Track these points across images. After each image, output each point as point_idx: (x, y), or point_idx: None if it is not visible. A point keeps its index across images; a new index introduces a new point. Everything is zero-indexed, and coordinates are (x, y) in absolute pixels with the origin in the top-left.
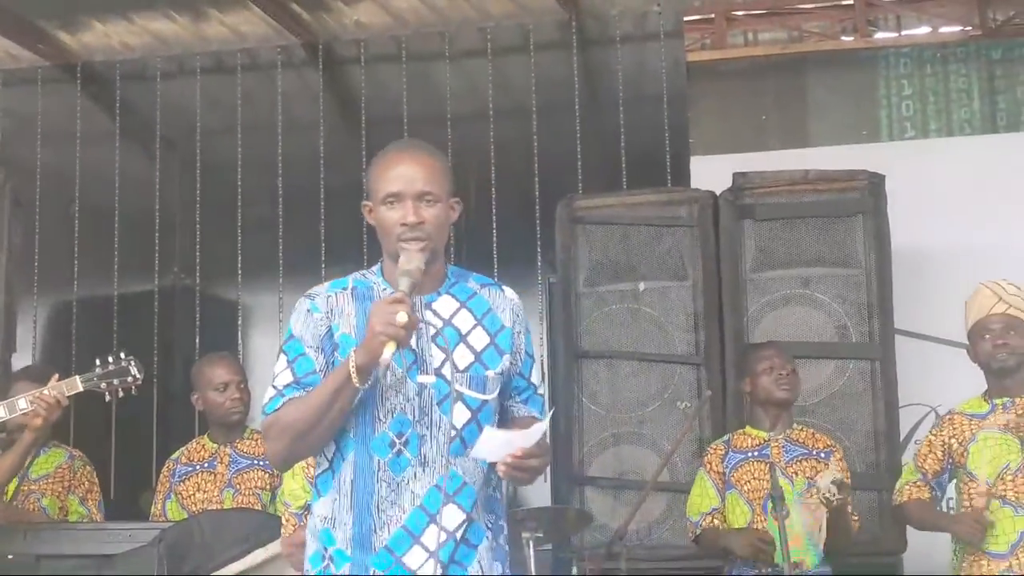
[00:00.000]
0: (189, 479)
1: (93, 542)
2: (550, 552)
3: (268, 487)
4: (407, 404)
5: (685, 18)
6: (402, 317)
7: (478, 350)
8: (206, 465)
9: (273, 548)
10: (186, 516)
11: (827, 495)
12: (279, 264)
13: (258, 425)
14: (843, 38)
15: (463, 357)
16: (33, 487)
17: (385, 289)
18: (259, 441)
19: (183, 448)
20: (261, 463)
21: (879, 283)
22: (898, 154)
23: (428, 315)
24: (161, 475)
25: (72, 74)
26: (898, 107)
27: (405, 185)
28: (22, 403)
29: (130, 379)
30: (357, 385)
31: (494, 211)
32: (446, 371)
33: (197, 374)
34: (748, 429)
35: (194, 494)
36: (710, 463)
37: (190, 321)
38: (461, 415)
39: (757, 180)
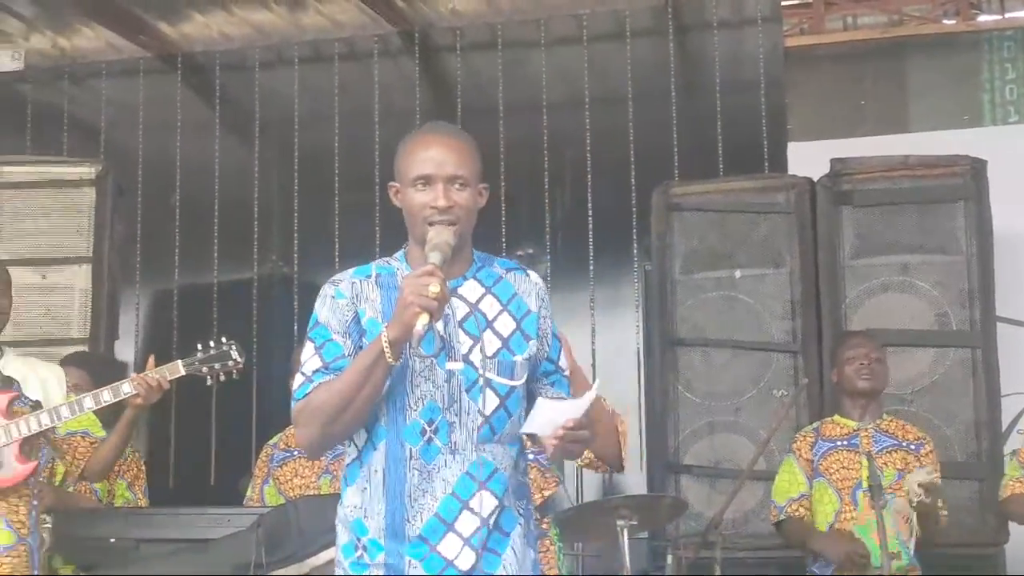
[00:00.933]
0: (287, 464)
1: (192, 527)
2: (645, 541)
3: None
4: (436, 391)
5: (783, 3)
6: (435, 288)
7: (505, 336)
8: (304, 451)
9: None
10: (283, 501)
11: (915, 497)
12: (375, 251)
13: None
14: (945, 21)
15: (490, 343)
16: None
17: (408, 274)
18: None
19: (281, 434)
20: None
21: (981, 270)
22: (1001, 139)
23: (455, 300)
24: (259, 460)
25: (172, 65)
26: (1001, 91)
27: (436, 168)
28: (126, 387)
29: (231, 363)
30: (390, 360)
31: (590, 199)
32: (474, 357)
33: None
34: (837, 418)
35: (291, 479)
36: (799, 449)
37: (288, 308)
38: (490, 402)
39: (855, 166)
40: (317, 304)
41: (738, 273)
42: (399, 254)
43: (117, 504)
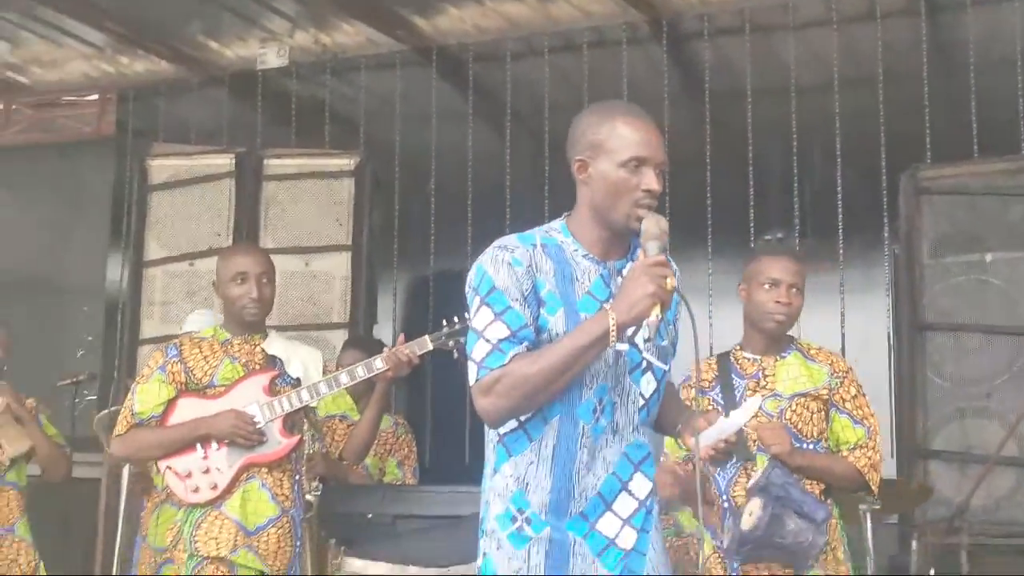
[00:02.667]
0: None
1: (447, 504)
2: (894, 526)
3: None
4: (607, 371)
5: None
6: (671, 281)
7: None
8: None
9: None
10: None
11: None
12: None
13: None
14: None
15: (648, 326)
16: None
17: (576, 250)
18: None
19: None
20: None
21: None
22: None
23: (619, 281)
24: None
25: (428, 57)
26: None
27: (652, 152)
28: (378, 363)
29: None
30: (613, 343)
31: (839, 182)
32: (638, 339)
33: None
34: None
35: None
36: None
37: None
38: (649, 385)
39: None
40: (488, 268)
41: (989, 257)
42: (559, 224)
43: (387, 480)
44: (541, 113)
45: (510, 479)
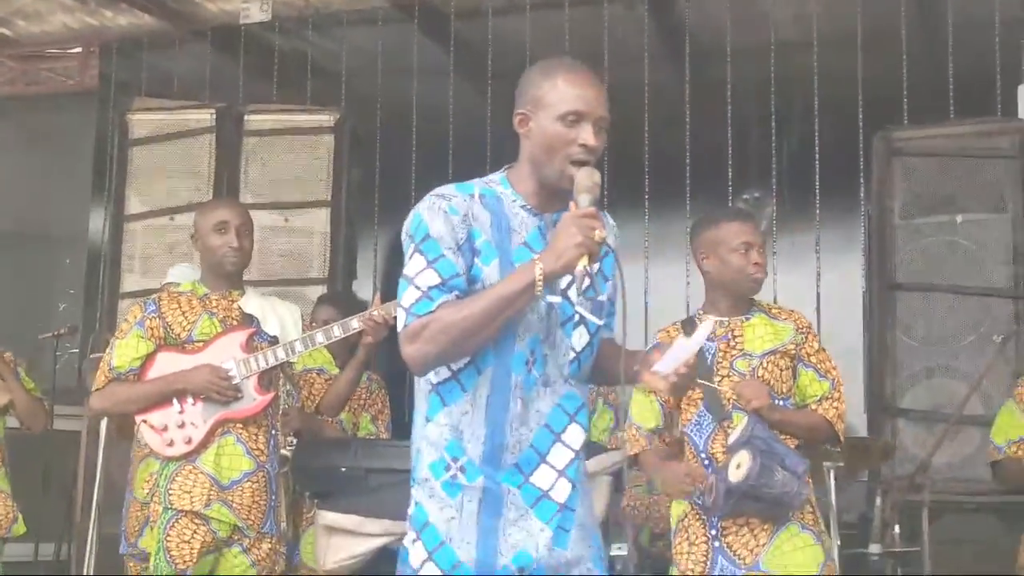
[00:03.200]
0: None
1: None
2: (863, 484)
3: None
4: (539, 323)
5: None
6: (601, 232)
7: (592, 273)
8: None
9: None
10: None
11: None
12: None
13: None
14: None
15: (582, 280)
16: None
17: (514, 201)
18: None
19: None
20: None
21: None
22: None
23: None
24: None
25: (410, 13)
26: None
27: (590, 107)
28: (354, 323)
29: None
30: (539, 293)
31: (817, 142)
32: (571, 293)
33: None
34: None
35: None
36: (1021, 395)
37: None
38: (580, 338)
39: None
40: (425, 215)
41: (959, 218)
42: (499, 177)
43: (360, 435)
44: (523, 70)
45: (444, 428)
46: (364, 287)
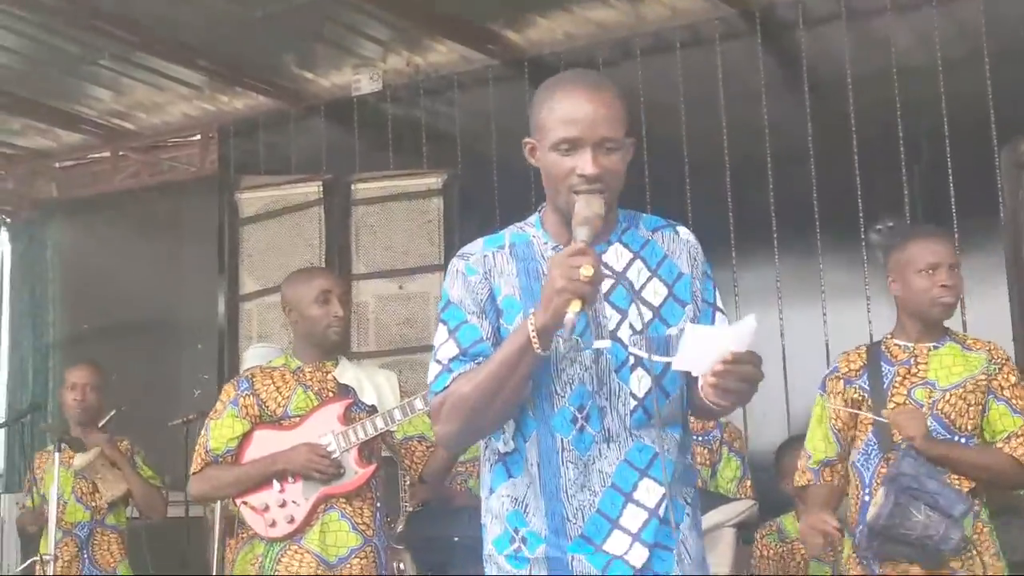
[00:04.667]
0: None
1: None
2: None
3: (707, 463)
4: (584, 374)
5: None
6: (587, 271)
7: (656, 305)
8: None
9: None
10: None
11: None
12: (729, 238)
13: None
14: None
15: (640, 316)
16: (460, 469)
17: (546, 243)
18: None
19: None
20: (699, 439)
21: None
22: None
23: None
24: None
25: (520, 70)
26: None
27: (584, 131)
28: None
29: None
30: (538, 351)
31: (949, 165)
32: (622, 334)
33: None
34: None
35: None
36: None
37: None
38: (641, 382)
39: None
40: (447, 281)
41: None
42: (534, 219)
43: None
44: (638, 117)
45: (505, 499)
46: None
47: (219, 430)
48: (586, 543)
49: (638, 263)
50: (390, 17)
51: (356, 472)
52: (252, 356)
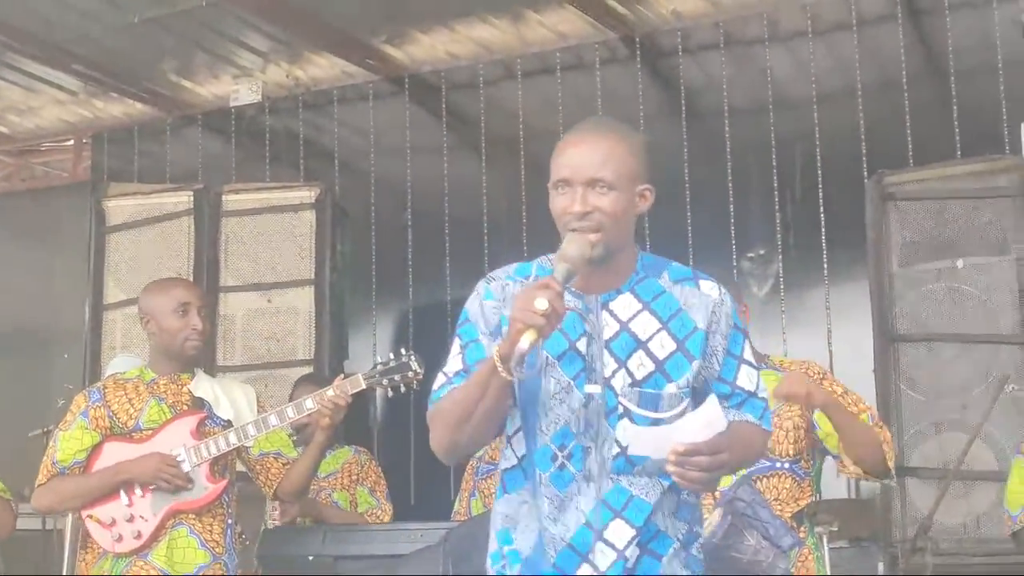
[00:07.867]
0: (492, 477)
1: (387, 543)
2: (858, 548)
3: None
4: (571, 416)
5: None
6: (541, 304)
7: (660, 359)
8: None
9: None
10: None
11: None
12: None
13: None
14: None
15: (640, 367)
16: (323, 483)
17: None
18: None
19: (486, 447)
20: None
21: None
22: None
23: (604, 316)
24: (465, 473)
25: (401, 86)
26: None
27: (574, 171)
28: (309, 403)
29: (411, 374)
30: (504, 375)
31: (821, 195)
32: (616, 382)
33: None
34: None
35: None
36: None
37: None
38: (625, 432)
39: None
40: (469, 300)
41: (960, 263)
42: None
43: (361, 510)
44: (517, 138)
45: (500, 516)
46: (362, 366)
47: (67, 442)
48: (556, 572)
49: (646, 314)
50: (271, 28)
51: (206, 488)
52: (115, 366)
